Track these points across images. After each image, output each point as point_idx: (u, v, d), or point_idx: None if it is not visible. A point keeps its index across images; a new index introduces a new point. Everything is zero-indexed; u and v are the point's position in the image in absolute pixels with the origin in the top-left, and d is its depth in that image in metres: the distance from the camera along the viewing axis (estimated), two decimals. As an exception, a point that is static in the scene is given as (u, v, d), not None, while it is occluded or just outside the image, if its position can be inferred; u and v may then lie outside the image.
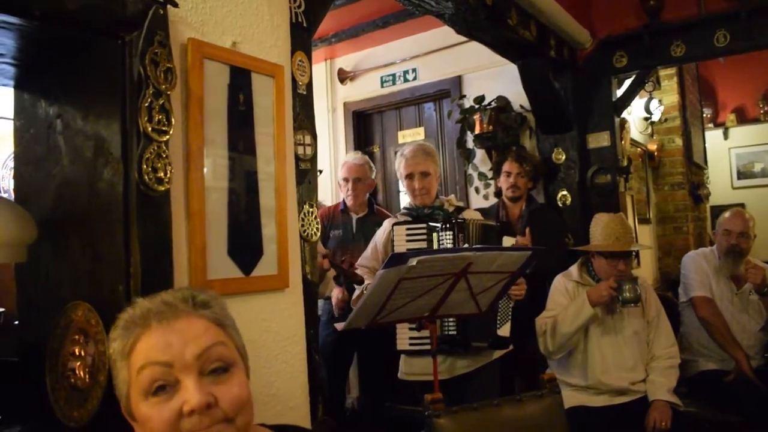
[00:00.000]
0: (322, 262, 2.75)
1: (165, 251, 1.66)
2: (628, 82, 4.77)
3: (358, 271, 3.08)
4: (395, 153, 5.42)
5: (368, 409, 4.24)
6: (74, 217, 1.75)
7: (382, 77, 5.54)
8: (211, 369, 1.10)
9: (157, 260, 1.63)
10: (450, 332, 2.81)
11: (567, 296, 3.25)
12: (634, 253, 3.29)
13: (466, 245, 2.83)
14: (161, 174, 1.62)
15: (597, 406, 3.12)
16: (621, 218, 3.33)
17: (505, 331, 2.90)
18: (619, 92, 4.73)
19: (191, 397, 1.05)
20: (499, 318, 2.88)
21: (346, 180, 4.01)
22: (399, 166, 3.17)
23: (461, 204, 3.35)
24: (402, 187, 3.26)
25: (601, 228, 3.27)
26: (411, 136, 5.46)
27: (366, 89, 5.63)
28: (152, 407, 1.07)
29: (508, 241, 2.91)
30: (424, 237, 2.91)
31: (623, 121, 4.93)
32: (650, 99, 6.00)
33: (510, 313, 2.93)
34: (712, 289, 3.71)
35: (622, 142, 4.81)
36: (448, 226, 2.87)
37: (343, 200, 4.12)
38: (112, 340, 1.14)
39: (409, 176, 3.10)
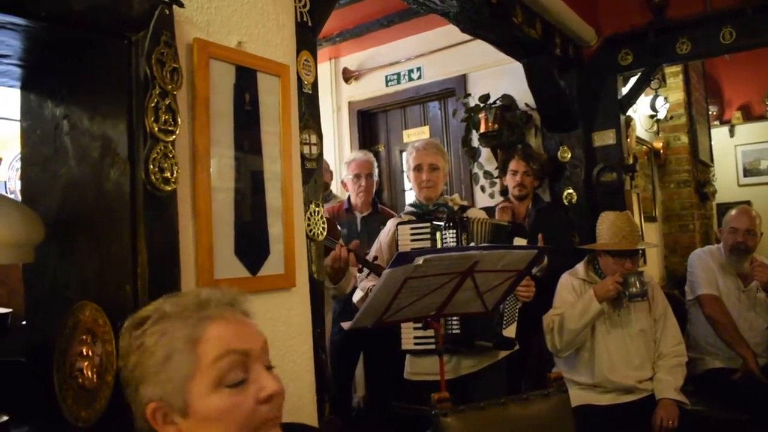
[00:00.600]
0: (347, 256, 2.74)
1: (172, 251, 1.66)
2: (633, 80, 4.76)
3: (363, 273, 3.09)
4: (400, 152, 5.43)
5: (374, 409, 4.24)
6: (81, 218, 1.75)
7: (386, 76, 5.54)
8: (268, 365, 1.15)
9: (164, 260, 1.63)
10: (454, 331, 2.81)
11: (573, 294, 3.25)
12: (640, 252, 3.28)
13: (472, 243, 2.83)
14: (168, 174, 1.62)
15: (604, 405, 3.11)
16: (627, 216, 3.33)
17: (510, 332, 2.90)
18: (625, 90, 4.72)
19: (269, 384, 1.09)
20: (505, 318, 2.87)
21: (357, 176, 4.00)
22: (408, 158, 3.18)
23: (465, 203, 3.35)
24: (407, 182, 3.26)
25: (607, 226, 3.27)
26: (416, 135, 5.45)
27: (371, 88, 5.63)
28: (227, 398, 1.07)
29: (519, 242, 2.90)
30: (428, 236, 2.91)
31: (629, 119, 4.92)
32: (656, 96, 5.98)
33: (516, 314, 2.92)
34: (719, 286, 3.69)
35: (628, 140, 4.79)
36: (451, 224, 2.86)
37: (348, 199, 4.12)
38: (162, 331, 1.09)
39: (418, 168, 3.11)
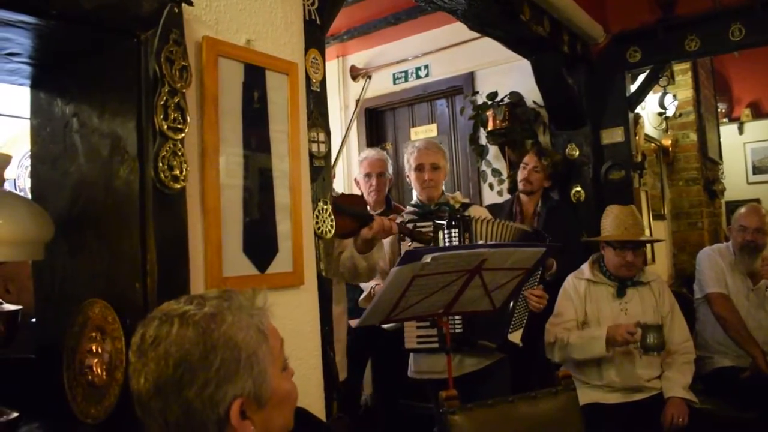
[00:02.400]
0: (390, 224, 2.70)
1: (181, 249, 1.67)
2: (642, 77, 4.74)
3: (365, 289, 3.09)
4: (408, 149, 5.42)
5: (381, 406, 4.24)
6: (91, 215, 1.76)
7: (394, 74, 5.53)
8: None
9: (173, 258, 1.64)
10: (456, 330, 2.81)
11: (576, 299, 3.24)
12: (644, 246, 3.27)
13: (481, 242, 2.83)
14: (177, 172, 1.63)
15: (612, 404, 3.11)
16: (632, 210, 3.34)
17: (515, 337, 2.89)
18: (633, 87, 4.70)
19: (290, 366, 1.24)
20: (513, 321, 2.87)
21: (368, 175, 3.98)
22: (410, 158, 3.18)
23: (467, 200, 3.35)
24: (410, 180, 3.25)
25: (611, 219, 3.29)
26: (423, 132, 5.45)
27: (378, 86, 5.63)
28: (288, 378, 1.21)
29: None
30: (431, 235, 2.91)
31: (637, 117, 4.90)
32: (664, 94, 5.96)
33: (525, 321, 2.92)
34: (728, 285, 3.68)
35: (636, 137, 4.78)
36: (453, 223, 2.86)
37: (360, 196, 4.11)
38: (234, 330, 1.10)
39: (419, 167, 3.12)
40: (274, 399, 1.14)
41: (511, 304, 2.82)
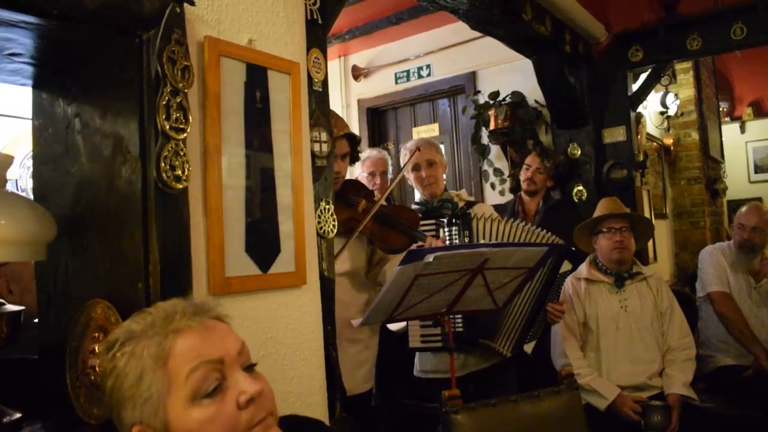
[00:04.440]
0: (438, 244, 2.70)
1: (183, 249, 1.66)
2: (643, 77, 4.74)
3: None
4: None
5: (384, 406, 4.23)
6: (93, 216, 1.76)
7: (396, 73, 5.54)
8: (248, 365, 1.11)
9: (176, 258, 1.63)
10: (457, 329, 2.80)
11: (575, 300, 3.25)
12: (631, 230, 3.28)
13: (482, 240, 2.82)
14: (179, 172, 1.62)
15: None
16: (615, 199, 3.46)
17: (529, 348, 2.91)
18: (635, 86, 4.71)
19: (247, 387, 1.06)
20: (531, 333, 2.87)
21: (372, 174, 3.98)
22: (404, 160, 3.17)
23: (472, 199, 3.34)
24: (410, 182, 3.25)
25: (597, 209, 3.41)
26: (425, 132, 5.45)
27: (380, 86, 5.63)
28: (207, 408, 1.04)
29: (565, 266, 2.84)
30: (433, 233, 2.90)
31: (639, 116, 4.90)
32: (666, 93, 5.96)
33: (540, 333, 2.93)
34: (730, 283, 3.68)
35: (638, 136, 4.78)
36: (454, 221, 2.86)
37: None
38: (130, 353, 1.06)
39: (416, 167, 3.13)
40: (178, 429, 1.04)
41: (537, 316, 2.84)
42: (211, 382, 1.05)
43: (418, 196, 3.32)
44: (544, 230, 2.84)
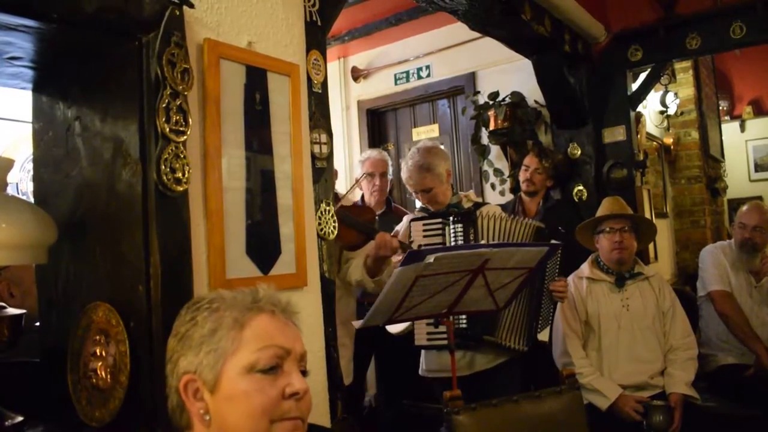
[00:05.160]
0: (393, 242, 2.73)
1: (184, 251, 1.66)
2: (643, 76, 4.74)
3: None
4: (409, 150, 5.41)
5: (386, 407, 4.23)
6: (94, 219, 1.76)
7: (395, 74, 5.53)
8: (303, 370, 1.20)
9: (177, 260, 1.64)
10: (461, 326, 2.80)
11: (577, 298, 3.24)
12: (632, 230, 3.28)
13: (483, 240, 2.82)
14: (179, 174, 1.63)
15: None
16: (618, 198, 3.45)
17: (544, 335, 2.91)
18: (635, 86, 4.70)
19: (296, 382, 1.15)
20: (540, 321, 2.87)
21: (371, 175, 3.97)
22: (405, 179, 3.12)
23: (480, 200, 3.34)
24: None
25: (600, 208, 3.41)
26: (425, 133, 5.45)
27: (379, 87, 5.63)
28: (257, 383, 1.13)
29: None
30: (440, 232, 2.90)
31: (639, 115, 4.90)
32: (666, 92, 5.96)
33: (551, 317, 2.93)
34: (731, 282, 3.67)
35: (638, 136, 4.78)
36: (459, 218, 2.86)
37: (361, 198, 4.10)
38: (214, 309, 1.17)
39: (415, 192, 3.12)
40: (224, 390, 1.13)
41: (541, 303, 2.85)
42: (271, 363, 1.14)
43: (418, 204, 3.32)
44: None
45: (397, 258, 2.89)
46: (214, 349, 1.14)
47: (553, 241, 2.85)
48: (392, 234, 2.95)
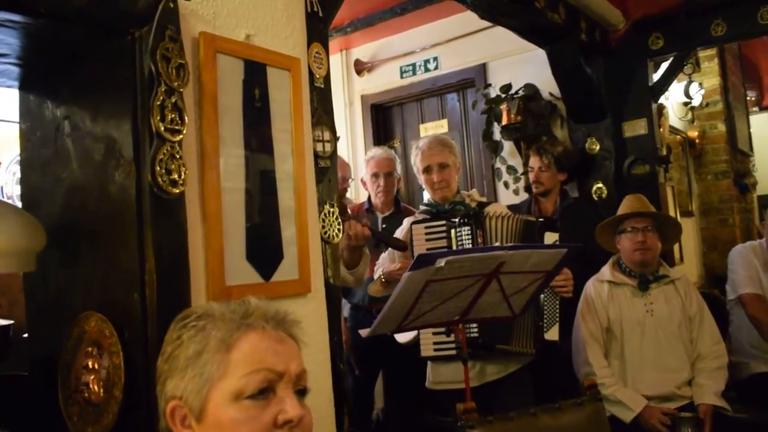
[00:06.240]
0: (363, 230, 2.75)
1: (181, 257, 1.67)
2: (665, 66, 4.73)
3: (375, 275, 3.09)
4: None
5: (394, 420, 4.23)
6: (85, 223, 1.77)
7: (401, 67, 5.53)
8: (300, 389, 1.18)
9: (173, 266, 1.64)
10: (472, 335, 2.79)
11: (598, 303, 3.24)
12: (655, 228, 3.27)
13: (497, 242, 2.82)
14: (175, 176, 1.63)
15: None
16: (640, 196, 3.45)
17: (553, 334, 2.90)
18: (656, 76, 4.69)
19: (291, 410, 1.12)
20: (545, 320, 2.87)
21: (375, 175, 3.97)
22: (416, 160, 3.18)
23: (484, 199, 3.34)
24: (421, 182, 3.25)
25: (621, 206, 3.41)
26: (433, 128, 5.44)
27: (384, 80, 5.63)
28: (245, 410, 1.10)
29: (550, 237, 2.89)
30: (444, 235, 2.90)
31: (661, 107, 4.89)
32: (689, 82, 5.94)
33: (557, 313, 2.92)
34: (762, 285, 3.66)
35: (661, 129, 4.77)
36: (465, 220, 2.86)
37: (368, 199, 4.11)
38: (201, 328, 1.15)
39: (427, 169, 3.12)
40: (211, 419, 1.11)
41: (541, 299, 2.86)
42: (262, 387, 1.12)
43: (426, 197, 3.32)
44: None
45: (395, 262, 2.95)
46: (199, 373, 1.12)
47: (549, 234, 2.91)
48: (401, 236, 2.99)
